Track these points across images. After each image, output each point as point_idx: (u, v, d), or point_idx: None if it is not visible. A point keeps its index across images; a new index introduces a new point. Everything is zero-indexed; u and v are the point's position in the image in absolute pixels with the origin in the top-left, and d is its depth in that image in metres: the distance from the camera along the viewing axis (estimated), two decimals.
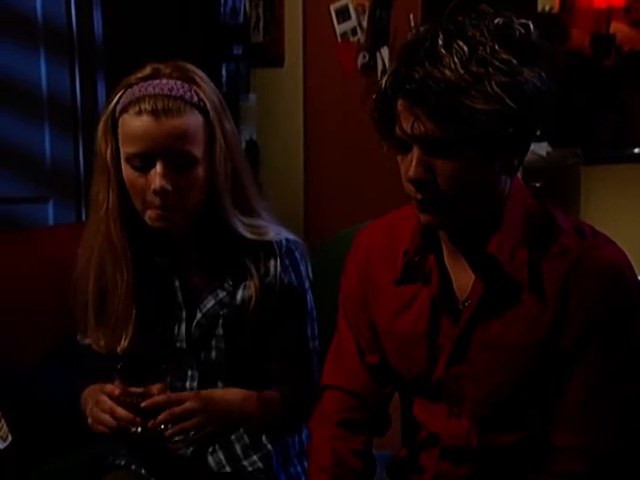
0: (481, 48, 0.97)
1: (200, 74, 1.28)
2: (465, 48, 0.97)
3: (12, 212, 2.49)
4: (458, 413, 1.13)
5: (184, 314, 1.35)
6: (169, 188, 1.22)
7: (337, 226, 1.75)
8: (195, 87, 1.25)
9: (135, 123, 1.21)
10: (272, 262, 1.32)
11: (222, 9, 2.92)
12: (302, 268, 1.35)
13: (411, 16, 3.01)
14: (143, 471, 1.38)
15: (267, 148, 3.15)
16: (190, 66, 1.29)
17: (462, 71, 0.96)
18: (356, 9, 3.01)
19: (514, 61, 0.97)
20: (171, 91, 1.22)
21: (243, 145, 2.92)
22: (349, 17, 3.01)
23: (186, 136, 1.22)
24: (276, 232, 1.34)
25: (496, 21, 1.00)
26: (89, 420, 1.26)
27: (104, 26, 2.67)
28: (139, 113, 1.21)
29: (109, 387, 1.23)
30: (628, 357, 1.06)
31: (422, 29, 1.03)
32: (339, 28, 3.07)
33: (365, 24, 3.00)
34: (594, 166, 3.50)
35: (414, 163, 1.02)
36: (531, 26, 1.02)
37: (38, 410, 1.59)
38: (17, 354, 1.68)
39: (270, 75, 3.20)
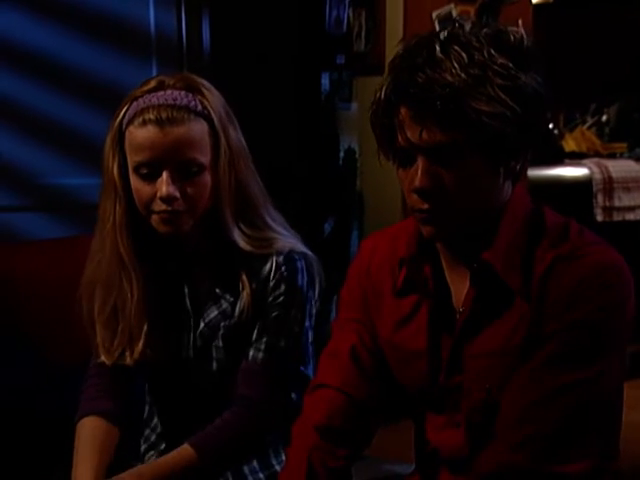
0: (477, 53, 0.97)
1: (205, 84, 1.30)
2: (463, 53, 0.97)
3: None
4: (458, 424, 1.10)
5: (192, 322, 1.35)
6: (176, 195, 1.23)
7: None
8: (199, 96, 1.27)
9: (141, 133, 1.23)
10: (266, 274, 1.30)
11: (327, 19, 2.96)
12: (299, 278, 1.31)
13: (520, 21, 2.95)
14: None
15: (367, 156, 3.16)
16: (195, 77, 1.31)
17: (463, 75, 0.95)
18: (460, 15, 2.98)
19: (511, 65, 0.97)
20: (175, 100, 1.24)
21: (342, 154, 2.94)
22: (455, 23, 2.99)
23: (191, 144, 1.24)
24: (284, 244, 1.31)
25: (489, 29, 1.00)
26: None
27: (212, 37, 2.77)
28: (144, 123, 1.23)
29: None
30: (602, 370, 1.00)
31: (415, 39, 1.02)
32: None
33: None
34: None
35: (420, 172, 1.01)
36: (524, 33, 1.01)
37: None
38: (64, 352, 1.71)
39: (371, 83, 3.19)
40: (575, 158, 3.71)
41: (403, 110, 1.00)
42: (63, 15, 2.61)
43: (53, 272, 1.54)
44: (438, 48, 0.98)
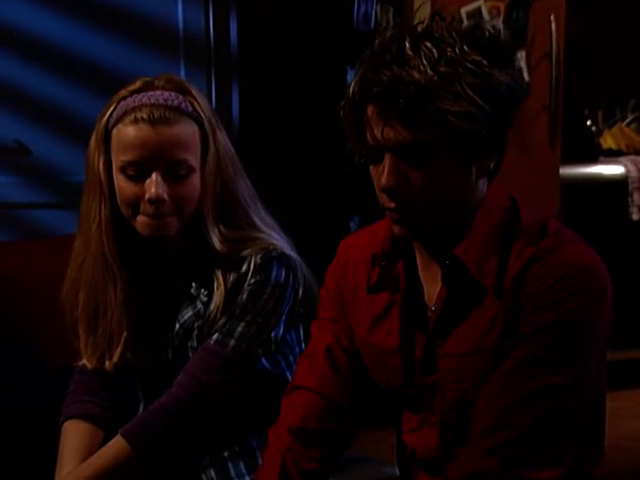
0: (450, 49, 0.94)
1: (193, 86, 1.29)
2: (434, 50, 0.94)
3: None
4: (433, 424, 1.08)
5: (170, 324, 1.34)
6: (165, 197, 1.22)
7: None
8: (189, 97, 1.26)
9: (131, 132, 1.21)
10: (243, 273, 1.27)
11: (355, 16, 2.95)
12: (273, 273, 1.27)
13: (552, 17, 2.89)
14: None
15: None
16: (182, 79, 1.30)
17: (431, 73, 0.93)
18: (490, 11, 2.93)
19: (485, 62, 0.94)
20: (166, 101, 1.23)
21: None
22: (482, 20, 2.94)
23: (182, 144, 1.22)
24: (266, 245, 1.28)
25: (464, 24, 0.97)
26: None
27: (239, 34, 2.78)
28: (135, 121, 1.21)
29: None
30: (573, 373, 0.98)
31: (388, 34, 0.99)
32: None
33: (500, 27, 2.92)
34: None
35: (386, 171, 0.98)
36: (500, 28, 0.98)
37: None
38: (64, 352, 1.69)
39: None
40: (612, 156, 3.64)
41: (370, 108, 0.99)
42: (94, 13, 2.65)
43: (55, 270, 1.57)
44: (408, 45, 0.96)
